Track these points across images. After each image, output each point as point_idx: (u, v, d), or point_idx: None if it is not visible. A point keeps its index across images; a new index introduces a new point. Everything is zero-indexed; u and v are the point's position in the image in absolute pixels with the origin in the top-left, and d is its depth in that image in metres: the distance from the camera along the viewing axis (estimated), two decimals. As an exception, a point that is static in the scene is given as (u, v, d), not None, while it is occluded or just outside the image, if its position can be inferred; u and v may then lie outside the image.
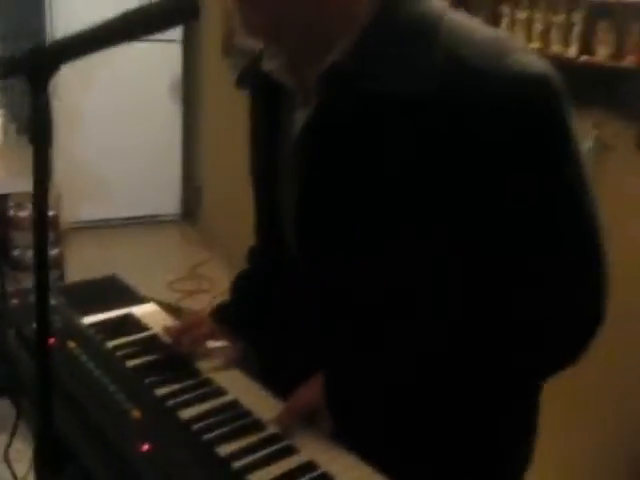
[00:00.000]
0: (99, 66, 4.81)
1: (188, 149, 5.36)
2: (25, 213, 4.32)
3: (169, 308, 1.58)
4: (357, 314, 1.09)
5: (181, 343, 1.32)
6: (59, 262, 4.28)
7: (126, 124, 4.96)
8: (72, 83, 4.78)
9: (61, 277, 4.24)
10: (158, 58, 4.95)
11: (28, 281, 4.20)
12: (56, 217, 4.32)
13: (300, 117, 1.08)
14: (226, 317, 1.40)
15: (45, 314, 0.90)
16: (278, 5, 0.97)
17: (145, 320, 1.44)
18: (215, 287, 4.24)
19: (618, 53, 1.90)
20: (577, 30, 1.98)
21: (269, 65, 1.09)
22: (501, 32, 1.00)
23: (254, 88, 1.21)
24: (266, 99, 1.15)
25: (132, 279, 4.51)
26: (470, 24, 1.00)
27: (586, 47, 1.95)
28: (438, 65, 0.94)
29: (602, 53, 1.91)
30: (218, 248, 4.79)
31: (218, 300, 4.10)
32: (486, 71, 0.92)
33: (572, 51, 1.99)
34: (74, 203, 4.80)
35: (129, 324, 1.42)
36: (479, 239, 0.98)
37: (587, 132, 1.98)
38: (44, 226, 0.93)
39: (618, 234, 1.91)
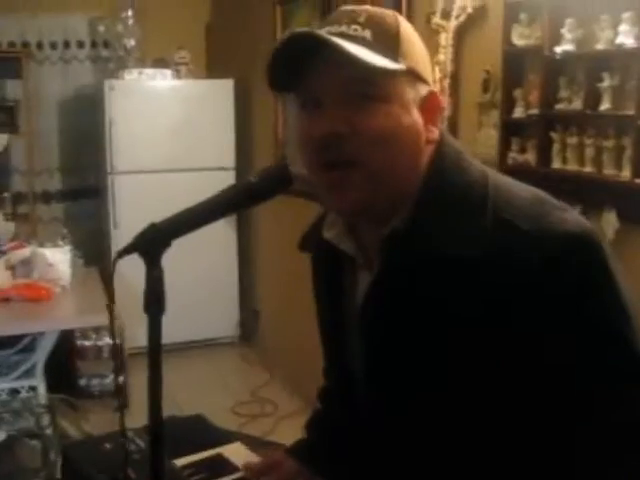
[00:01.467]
0: (152, 189, 5.04)
1: (244, 274, 5.49)
2: (90, 343, 4.43)
3: (254, 442, 1.62)
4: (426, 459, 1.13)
5: None
6: (123, 390, 4.36)
7: (184, 252, 5.12)
8: (132, 208, 5.00)
9: (125, 404, 4.31)
10: (213, 184, 5.16)
11: (95, 409, 4.22)
12: (120, 346, 4.43)
13: (362, 279, 1.16)
14: (306, 457, 1.43)
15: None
16: (374, 180, 1.05)
17: (234, 460, 1.48)
18: (278, 411, 4.27)
19: (671, 175, 1.96)
20: (628, 154, 2.05)
21: (328, 234, 1.18)
22: (540, 192, 1.09)
23: (315, 252, 1.29)
24: (328, 263, 1.24)
25: (195, 403, 4.53)
26: (512, 187, 1.09)
27: (639, 170, 2.01)
28: (487, 229, 1.03)
29: (655, 175, 1.98)
30: (277, 369, 4.84)
31: (280, 424, 4.08)
32: (530, 232, 1.01)
33: (626, 174, 2.06)
34: (136, 330, 4.91)
35: (219, 465, 1.46)
36: (538, 384, 1.03)
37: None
38: (157, 386, 1.01)
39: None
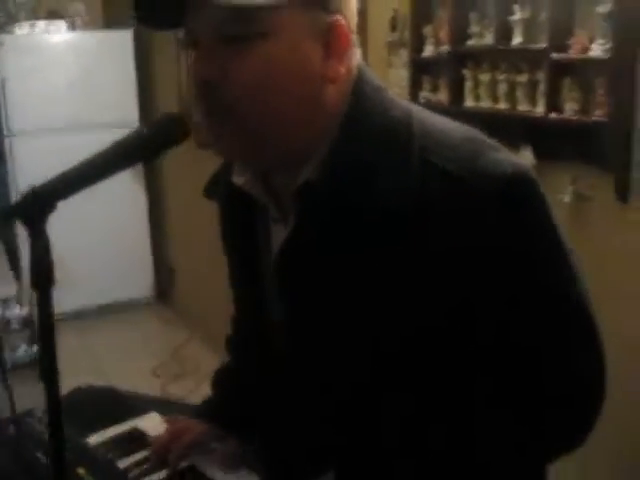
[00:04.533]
0: (59, 151, 4.83)
1: (156, 231, 5.34)
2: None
3: (171, 407, 1.55)
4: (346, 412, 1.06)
5: (168, 456, 1.28)
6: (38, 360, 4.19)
7: (92, 212, 4.94)
8: (34, 171, 4.78)
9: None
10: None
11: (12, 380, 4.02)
12: (32, 315, 4.24)
13: (276, 231, 1.07)
14: (214, 416, 1.37)
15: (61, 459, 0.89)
16: (259, 132, 0.95)
17: (150, 433, 1.40)
18: (200, 369, 4.18)
19: (585, 108, 1.93)
20: (542, 88, 2.01)
21: (239, 180, 1.06)
22: (471, 131, 0.99)
23: (224, 199, 1.18)
24: (237, 210, 1.13)
25: (116, 368, 4.39)
26: (440, 126, 0.99)
27: (553, 104, 1.97)
28: (413, 174, 0.93)
29: (570, 109, 1.94)
30: (196, 327, 4.75)
31: (203, 383, 3.99)
32: (462, 177, 0.91)
33: (540, 109, 2.02)
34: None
35: (135, 440, 1.38)
36: (475, 339, 0.97)
37: (564, 187, 2.00)
38: (53, 371, 0.91)
39: (602, 285, 1.93)
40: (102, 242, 5.05)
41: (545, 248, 0.96)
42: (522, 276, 0.94)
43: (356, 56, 1.00)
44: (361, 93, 0.99)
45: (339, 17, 0.95)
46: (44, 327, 0.90)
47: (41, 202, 0.87)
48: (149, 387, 3.75)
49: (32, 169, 4.74)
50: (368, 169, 0.95)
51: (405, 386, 1.00)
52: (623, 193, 1.88)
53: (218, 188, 1.17)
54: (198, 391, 3.79)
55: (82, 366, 4.27)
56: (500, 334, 0.96)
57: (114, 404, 1.58)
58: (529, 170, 0.96)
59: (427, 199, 0.92)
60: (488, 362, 0.98)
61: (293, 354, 1.11)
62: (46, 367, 0.91)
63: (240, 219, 1.13)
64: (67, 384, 1.87)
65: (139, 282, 5.26)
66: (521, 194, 0.94)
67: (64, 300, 4.91)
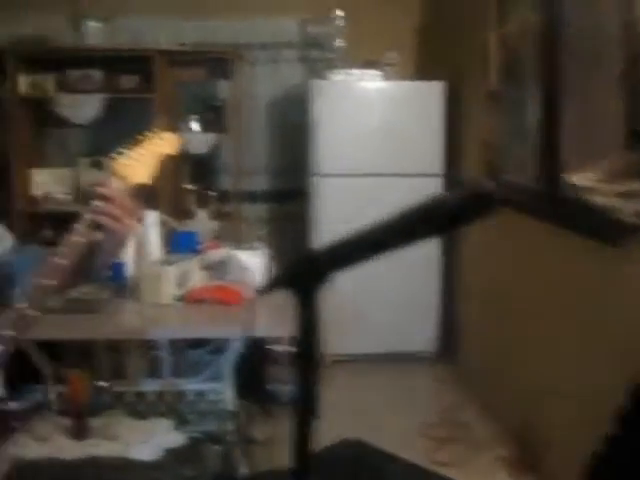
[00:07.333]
0: (355, 193, 4.92)
1: (446, 287, 5.23)
2: (282, 348, 4.36)
3: None
4: None
5: None
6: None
7: (388, 262, 4.94)
8: (332, 209, 4.91)
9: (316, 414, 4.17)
10: (419, 191, 4.86)
11: (284, 416, 4.14)
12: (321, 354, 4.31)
13: None
14: None
15: None
16: None
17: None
18: (471, 436, 3.95)
19: None
20: None
21: None
22: None
23: None
24: None
25: (382, 419, 4.30)
26: None
27: None
28: None
29: None
30: (473, 390, 4.54)
31: (473, 453, 3.69)
32: None
33: None
34: (335, 336, 4.81)
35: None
36: None
37: None
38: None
39: None
40: (393, 290, 5.05)
41: None
42: None
43: None
44: None
45: None
46: (304, 406, 0.81)
47: (317, 271, 0.77)
48: (411, 446, 3.56)
49: (333, 210, 4.89)
50: None
51: None
52: None
53: None
54: (465, 461, 3.56)
55: (347, 407, 4.23)
56: None
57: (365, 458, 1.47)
58: None
59: None
60: None
61: None
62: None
63: None
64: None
65: (421, 336, 5.16)
66: None
67: (348, 344, 4.95)
